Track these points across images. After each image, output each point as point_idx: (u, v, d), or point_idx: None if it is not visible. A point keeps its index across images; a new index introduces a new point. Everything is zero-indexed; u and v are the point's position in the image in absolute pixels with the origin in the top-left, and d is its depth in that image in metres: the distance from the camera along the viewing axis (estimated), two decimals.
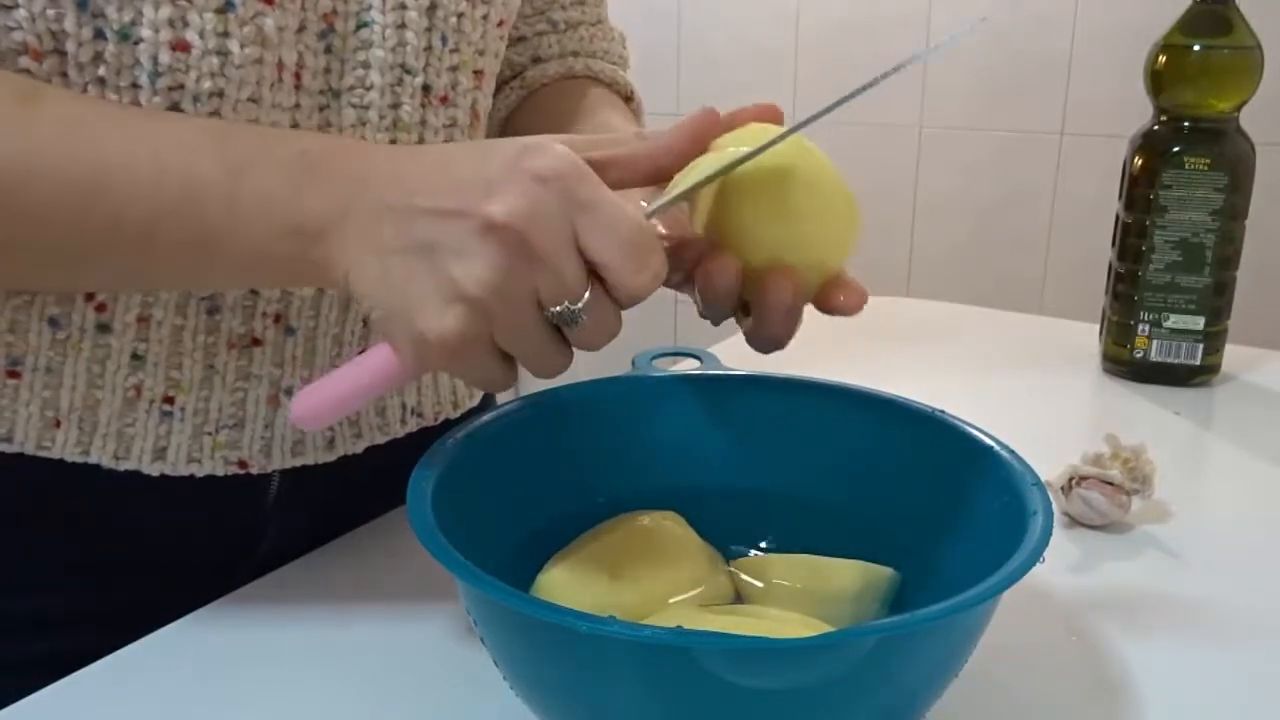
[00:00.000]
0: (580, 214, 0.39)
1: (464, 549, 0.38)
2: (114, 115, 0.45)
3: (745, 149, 0.43)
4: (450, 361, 0.40)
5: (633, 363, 0.56)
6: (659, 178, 0.44)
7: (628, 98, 0.70)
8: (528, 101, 0.68)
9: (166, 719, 0.46)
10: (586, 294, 0.40)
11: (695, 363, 0.58)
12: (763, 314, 0.45)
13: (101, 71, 0.46)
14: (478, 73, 0.58)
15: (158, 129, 0.44)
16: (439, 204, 0.40)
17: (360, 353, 0.57)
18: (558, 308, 0.40)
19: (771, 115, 0.46)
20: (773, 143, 0.43)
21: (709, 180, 0.43)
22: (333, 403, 0.42)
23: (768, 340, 0.46)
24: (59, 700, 0.46)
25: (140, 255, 0.45)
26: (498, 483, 0.48)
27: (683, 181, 0.43)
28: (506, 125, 0.68)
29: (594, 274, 0.40)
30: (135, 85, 0.47)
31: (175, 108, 0.47)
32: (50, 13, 0.45)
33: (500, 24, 0.59)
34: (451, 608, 0.52)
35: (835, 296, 0.45)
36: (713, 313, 0.46)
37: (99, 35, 0.46)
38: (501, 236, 0.38)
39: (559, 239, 0.39)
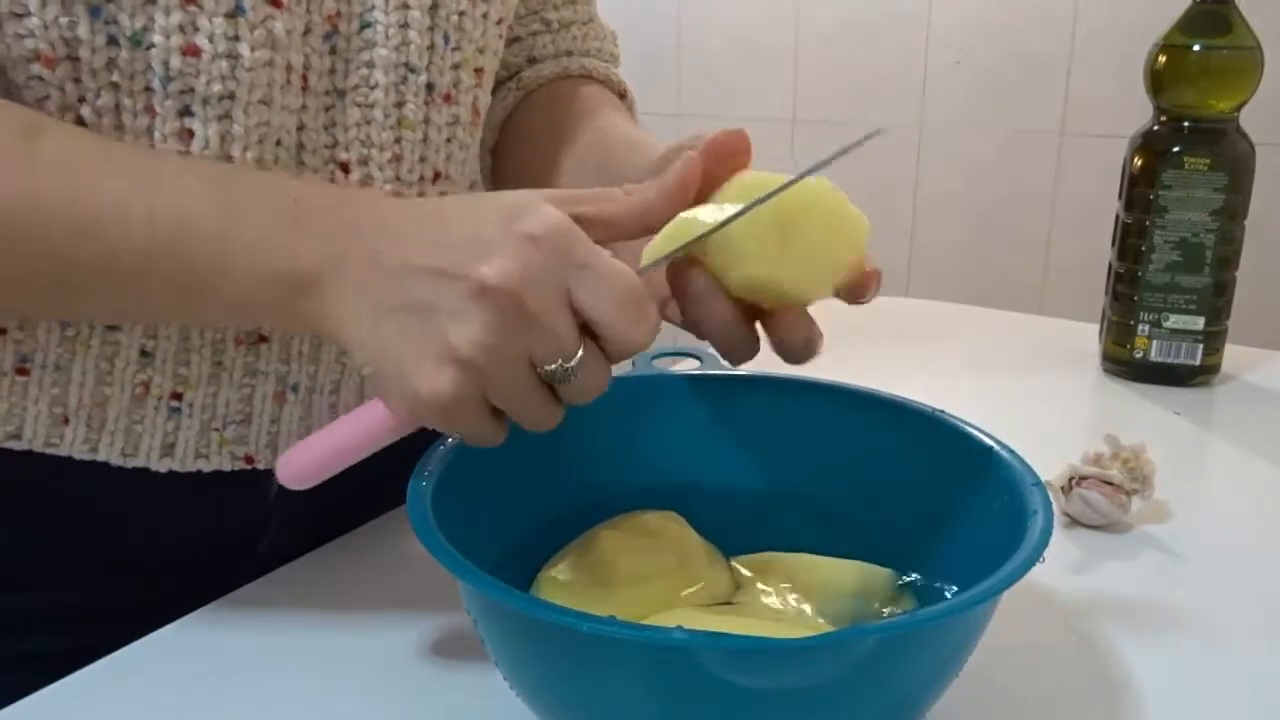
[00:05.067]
0: (574, 274, 0.40)
1: (464, 549, 0.38)
2: (113, 156, 0.45)
3: (731, 207, 0.43)
4: (443, 419, 0.41)
5: (633, 363, 0.56)
6: (644, 233, 0.45)
7: (621, 94, 0.71)
8: (525, 102, 0.68)
9: (167, 718, 0.46)
10: (580, 352, 0.40)
11: (695, 363, 0.58)
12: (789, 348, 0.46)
13: (114, 77, 0.47)
14: (478, 70, 0.58)
15: (156, 172, 0.45)
16: (432, 263, 0.40)
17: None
18: (551, 366, 0.40)
19: (737, 139, 0.46)
20: (760, 201, 0.43)
21: (700, 238, 0.43)
22: (326, 459, 0.43)
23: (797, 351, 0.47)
24: (59, 699, 0.46)
25: (130, 294, 0.45)
26: (497, 483, 0.48)
27: (670, 240, 0.44)
28: (505, 127, 0.69)
29: (586, 331, 0.41)
30: (148, 89, 0.47)
31: (187, 111, 0.48)
32: (63, 20, 0.45)
33: (500, 22, 0.59)
34: (451, 607, 0.52)
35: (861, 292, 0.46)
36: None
37: (111, 42, 0.46)
38: (495, 299, 0.39)
39: (552, 300, 0.39)
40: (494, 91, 0.68)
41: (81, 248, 0.43)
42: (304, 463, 0.44)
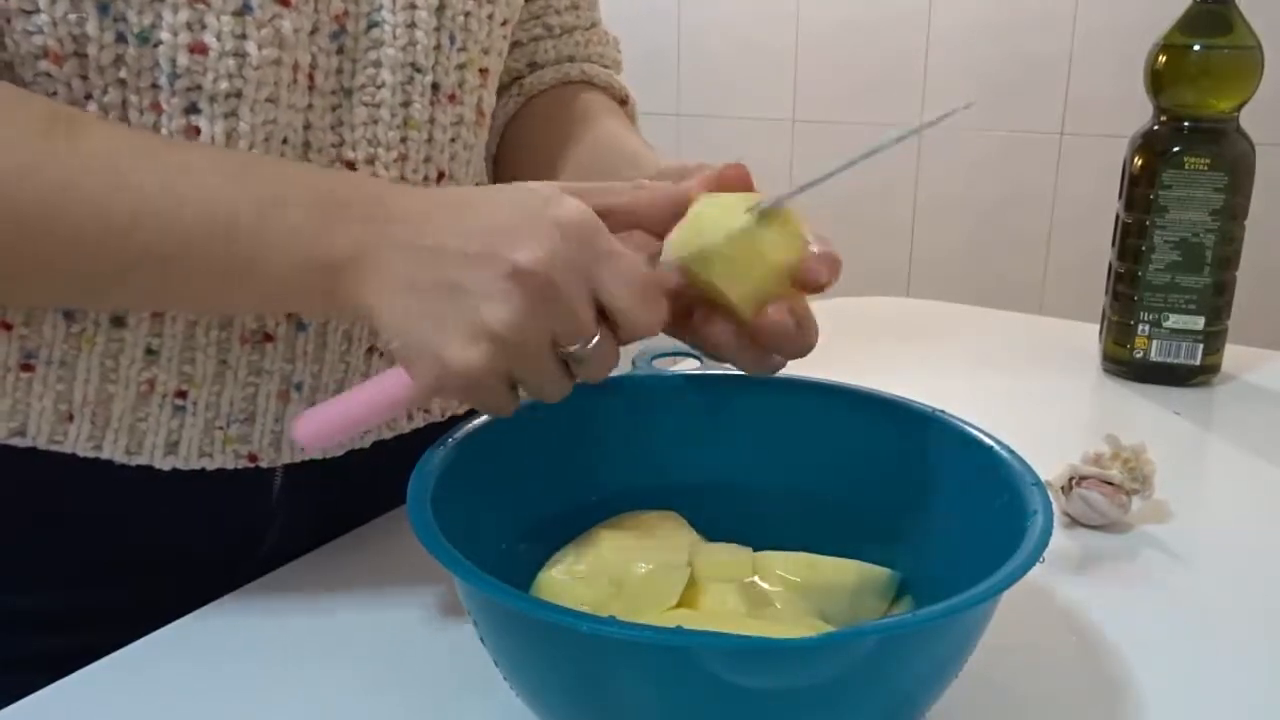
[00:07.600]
0: (598, 263, 0.43)
1: (464, 548, 0.38)
2: (147, 148, 0.45)
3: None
4: (466, 390, 0.44)
5: (633, 363, 0.56)
6: (652, 226, 0.48)
7: (622, 101, 0.71)
8: (526, 109, 0.69)
9: (168, 717, 0.46)
10: (598, 334, 0.43)
11: (695, 363, 0.58)
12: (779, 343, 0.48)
13: (122, 74, 0.47)
14: (483, 71, 0.58)
15: (190, 165, 0.45)
16: (466, 246, 0.42)
17: (367, 352, 0.57)
18: (573, 347, 0.43)
19: (738, 173, 0.49)
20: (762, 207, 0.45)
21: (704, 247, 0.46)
22: (339, 424, 0.45)
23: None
24: (60, 699, 0.46)
25: (165, 285, 0.46)
26: (498, 482, 0.48)
27: (686, 243, 0.46)
28: (506, 132, 0.69)
29: (600, 315, 0.44)
30: (155, 86, 0.47)
31: (193, 108, 0.48)
32: (72, 17, 0.45)
33: (504, 23, 0.60)
34: (451, 607, 0.52)
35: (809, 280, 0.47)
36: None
37: (120, 39, 0.46)
38: (527, 281, 0.41)
39: (578, 285, 0.42)
40: (496, 96, 0.68)
41: (118, 243, 0.44)
42: (321, 425, 0.45)
